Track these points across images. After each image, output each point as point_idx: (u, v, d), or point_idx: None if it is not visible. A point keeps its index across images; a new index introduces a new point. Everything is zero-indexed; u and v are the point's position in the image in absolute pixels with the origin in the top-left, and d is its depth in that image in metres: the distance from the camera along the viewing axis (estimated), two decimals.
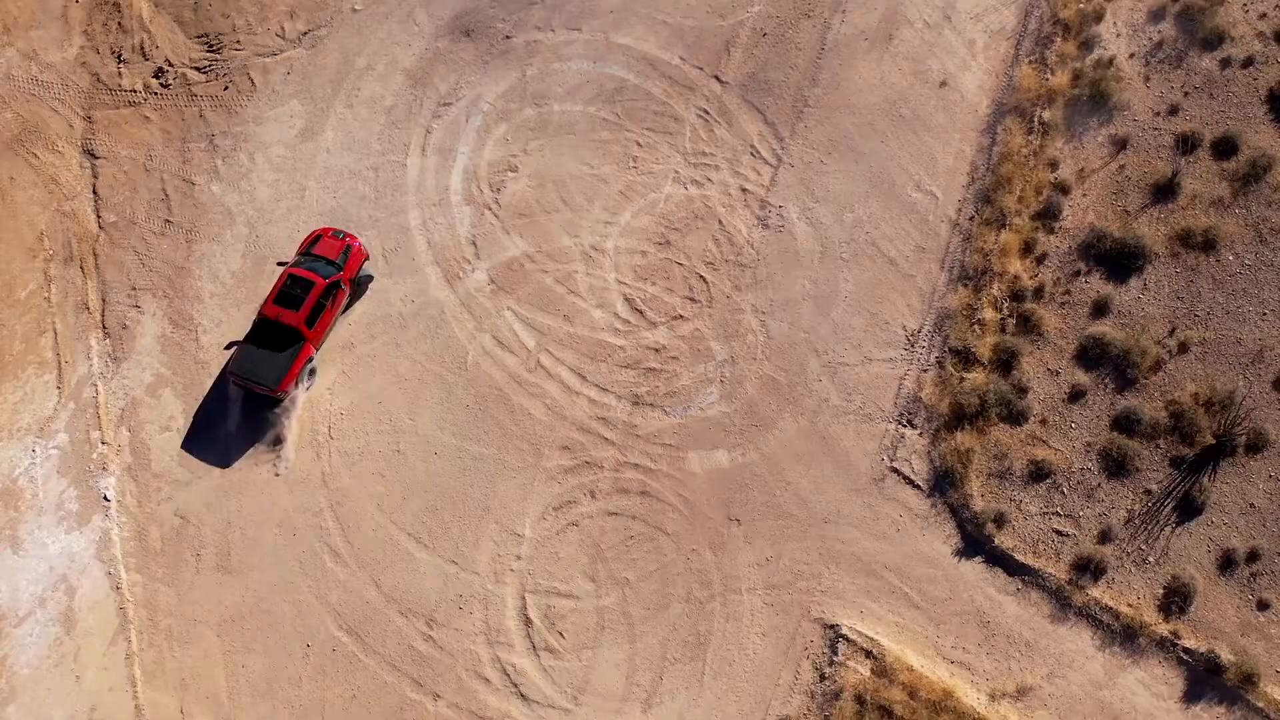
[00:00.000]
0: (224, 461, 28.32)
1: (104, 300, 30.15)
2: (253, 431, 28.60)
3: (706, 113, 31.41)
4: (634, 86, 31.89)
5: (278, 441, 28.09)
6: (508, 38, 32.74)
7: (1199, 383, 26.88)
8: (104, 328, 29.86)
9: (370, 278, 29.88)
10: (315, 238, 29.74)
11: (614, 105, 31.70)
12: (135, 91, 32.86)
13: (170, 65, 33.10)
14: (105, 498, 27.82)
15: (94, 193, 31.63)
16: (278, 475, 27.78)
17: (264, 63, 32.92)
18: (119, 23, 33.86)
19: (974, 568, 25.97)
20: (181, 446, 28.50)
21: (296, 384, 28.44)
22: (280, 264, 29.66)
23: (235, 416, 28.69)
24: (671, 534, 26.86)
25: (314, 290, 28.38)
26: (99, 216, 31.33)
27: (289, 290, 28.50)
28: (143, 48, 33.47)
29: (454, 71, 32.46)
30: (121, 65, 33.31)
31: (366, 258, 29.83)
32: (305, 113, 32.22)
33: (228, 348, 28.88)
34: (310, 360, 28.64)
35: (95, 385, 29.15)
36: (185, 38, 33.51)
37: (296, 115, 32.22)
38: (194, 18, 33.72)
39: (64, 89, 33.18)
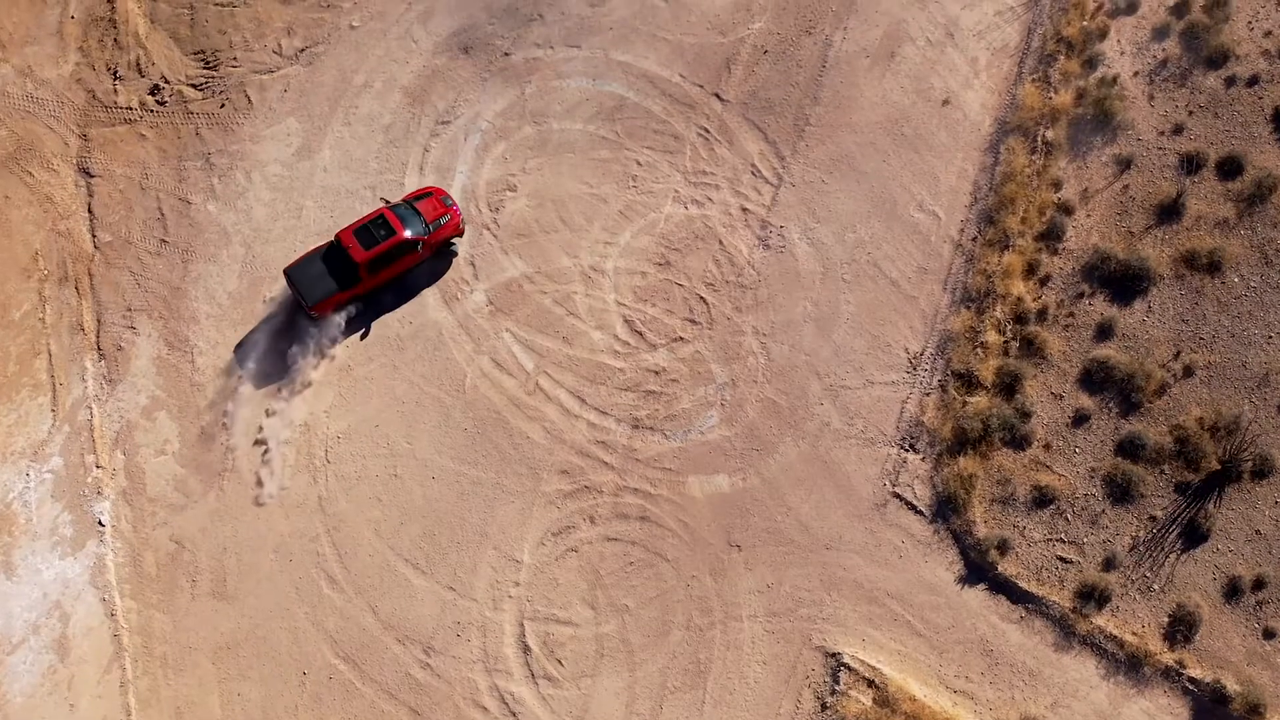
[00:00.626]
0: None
1: (99, 321, 29.87)
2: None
3: (707, 131, 31.14)
4: (634, 104, 31.61)
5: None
6: (506, 55, 32.46)
7: (1204, 407, 26.64)
8: (99, 349, 29.58)
9: (455, 252, 29.91)
10: (425, 193, 29.82)
11: (614, 123, 31.42)
12: (131, 109, 32.56)
13: (166, 82, 32.82)
14: (100, 522, 27.56)
15: (89, 212, 31.34)
16: (260, 505, 27.50)
17: (261, 80, 32.64)
18: (115, 39, 33.56)
19: (977, 595, 25.71)
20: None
21: (334, 311, 28.79)
22: (383, 200, 30.13)
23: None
24: (671, 560, 26.60)
25: (391, 239, 28.54)
26: (94, 236, 31.05)
27: (371, 227, 28.79)
28: (139, 64, 33.18)
29: (452, 89, 32.18)
30: (117, 82, 33.01)
31: (459, 234, 29.78)
32: (302, 131, 31.93)
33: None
34: (354, 301, 28.99)
35: (90, 408, 28.87)
36: (181, 54, 33.21)
37: (293, 133, 31.94)
38: (190, 34, 33.43)
39: (59, 106, 32.90)
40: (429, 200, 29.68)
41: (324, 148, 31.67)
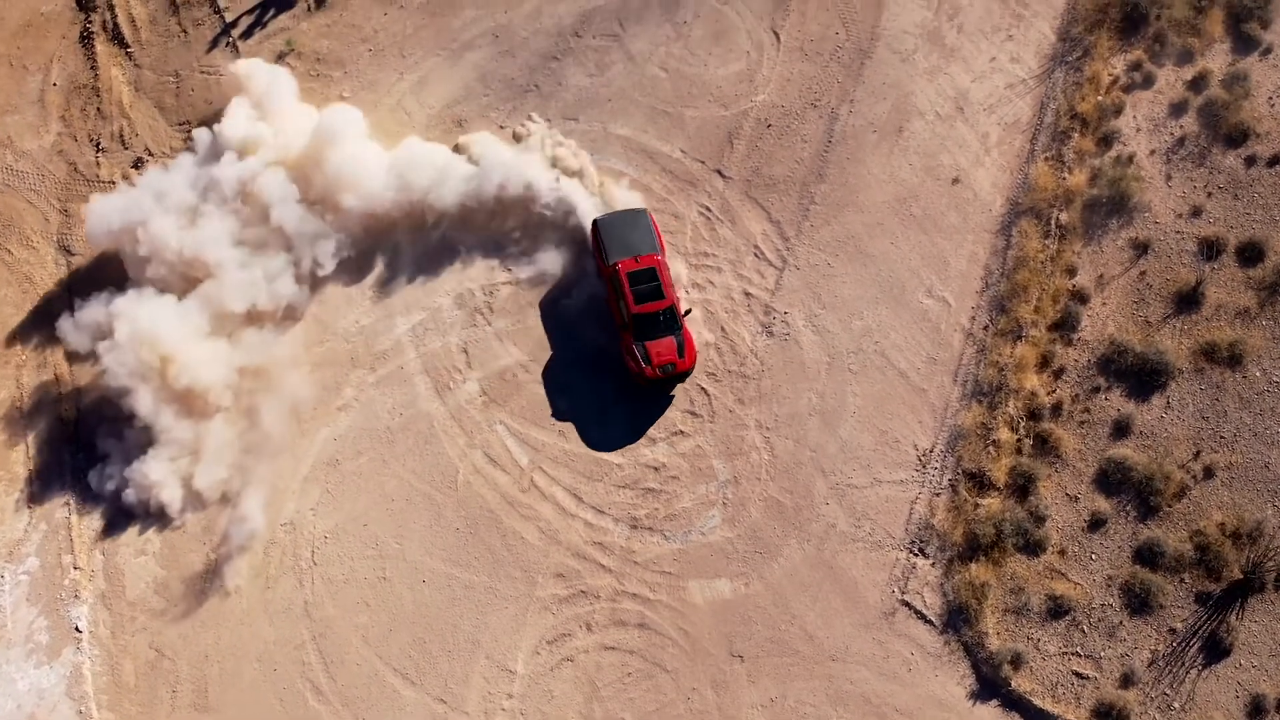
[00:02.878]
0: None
1: (79, 411, 28.76)
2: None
3: (708, 210, 30.09)
4: (632, 180, 30.53)
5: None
6: (501, 128, 31.37)
7: (1225, 511, 25.63)
8: (78, 440, 28.49)
9: (669, 394, 28.03)
10: (685, 349, 27.68)
11: (609, 201, 30.32)
12: (114, 183, 31.47)
13: (151, 155, 31.77)
14: (77, 628, 26.51)
15: (69, 293, 30.22)
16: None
17: None
18: (98, 108, 32.53)
19: (990, 712, 24.69)
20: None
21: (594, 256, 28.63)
22: (689, 308, 28.61)
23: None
24: (671, 671, 25.56)
25: (628, 295, 27.56)
26: (74, 316, 29.87)
27: (649, 284, 27.69)
28: (122, 135, 32.14)
29: None
30: (100, 154, 31.98)
31: (634, 372, 27.70)
32: None
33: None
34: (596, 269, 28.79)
35: (68, 504, 27.80)
36: (167, 125, 32.15)
37: None
38: (176, 104, 32.38)
39: (40, 179, 31.86)
40: (671, 347, 27.44)
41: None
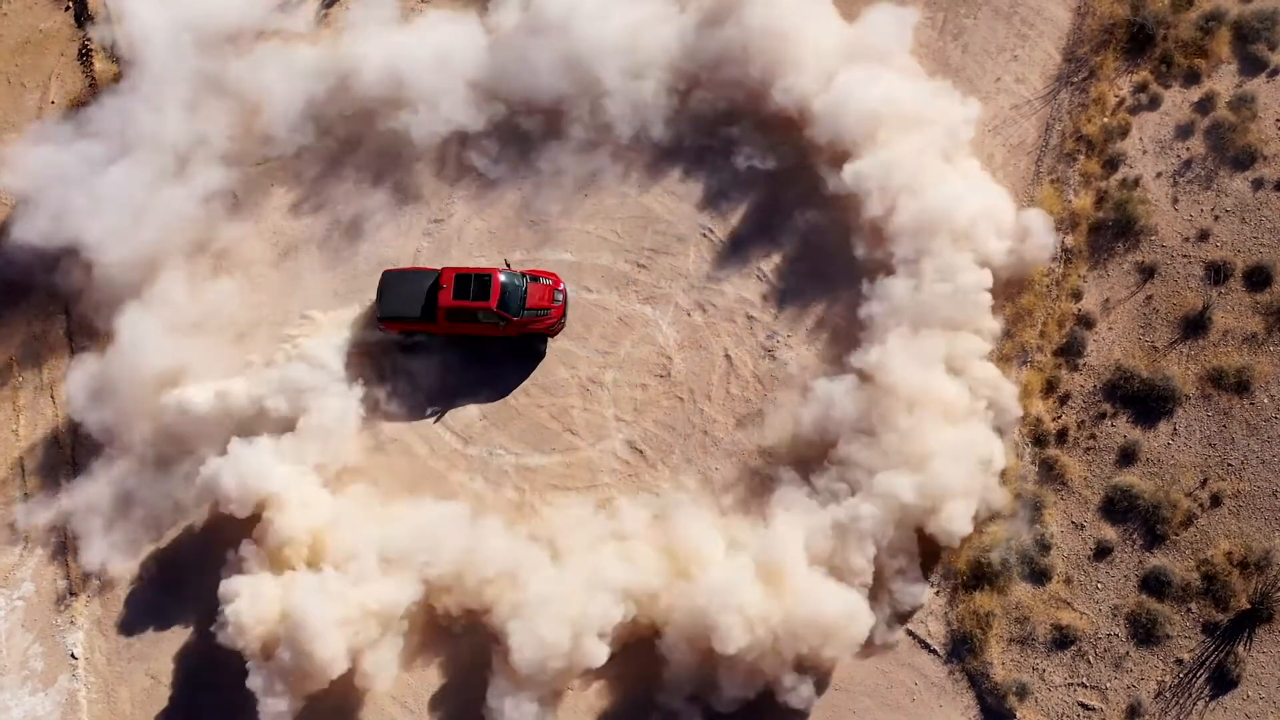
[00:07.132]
0: None
1: (75, 434, 28.49)
2: None
3: (710, 231, 29.83)
4: (634, 202, 30.27)
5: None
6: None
7: (1233, 540, 25.41)
8: (74, 464, 28.24)
9: (542, 352, 28.52)
10: (545, 277, 28.45)
11: (612, 222, 30.04)
12: None
13: None
14: (72, 655, 26.25)
15: (66, 313, 29.92)
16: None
17: (247, 171, 31.24)
18: None
19: None
20: None
21: (401, 335, 28.36)
22: (506, 261, 29.03)
23: None
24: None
25: (478, 302, 27.48)
26: (71, 340, 29.65)
27: (473, 280, 27.69)
28: None
29: (445, 185, 30.83)
30: None
31: (551, 334, 28.38)
32: (289, 231, 30.55)
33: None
34: (424, 336, 28.46)
35: (63, 529, 27.52)
36: None
37: (279, 230, 30.59)
38: None
39: None
40: (543, 286, 28.11)
41: (312, 247, 30.20)
